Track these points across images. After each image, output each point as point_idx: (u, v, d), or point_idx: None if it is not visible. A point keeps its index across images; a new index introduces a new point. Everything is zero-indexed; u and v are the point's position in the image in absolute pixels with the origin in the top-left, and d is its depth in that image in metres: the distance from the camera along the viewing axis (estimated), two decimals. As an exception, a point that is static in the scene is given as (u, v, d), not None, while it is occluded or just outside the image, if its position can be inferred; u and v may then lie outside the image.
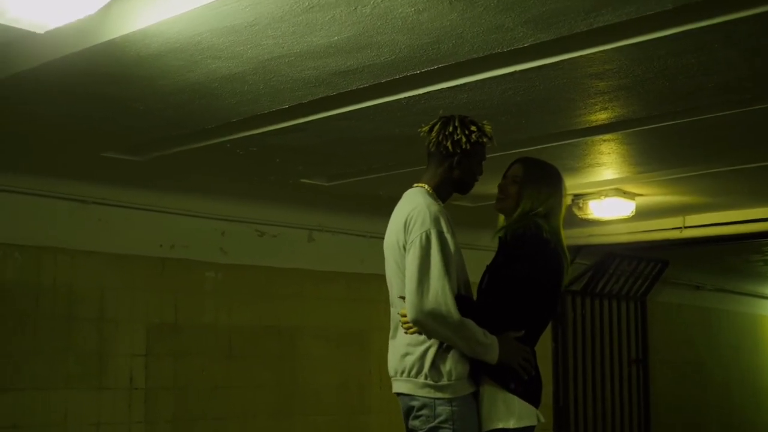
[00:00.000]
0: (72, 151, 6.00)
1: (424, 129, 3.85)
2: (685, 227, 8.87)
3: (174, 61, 4.21)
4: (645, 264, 11.37)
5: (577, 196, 7.67)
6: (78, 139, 5.70)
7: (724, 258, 11.53)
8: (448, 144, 3.72)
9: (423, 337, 3.59)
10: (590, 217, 7.75)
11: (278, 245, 8.11)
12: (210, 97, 4.79)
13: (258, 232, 7.97)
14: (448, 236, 3.58)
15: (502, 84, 4.60)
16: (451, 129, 3.74)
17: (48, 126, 5.39)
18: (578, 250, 9.93)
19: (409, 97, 4.80)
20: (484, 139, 3.78)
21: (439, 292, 3.48)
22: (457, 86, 4.62)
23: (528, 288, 3.67)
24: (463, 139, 3.72)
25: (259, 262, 7.96)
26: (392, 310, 3.78)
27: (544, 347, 10.33)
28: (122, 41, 3.94)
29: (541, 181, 3.89)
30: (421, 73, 4.39)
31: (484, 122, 3.83)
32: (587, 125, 5.45)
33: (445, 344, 3.58)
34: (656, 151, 6.27)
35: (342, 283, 8.46)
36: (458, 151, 3.73)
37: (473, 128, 3.76)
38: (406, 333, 3.65)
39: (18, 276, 6.55)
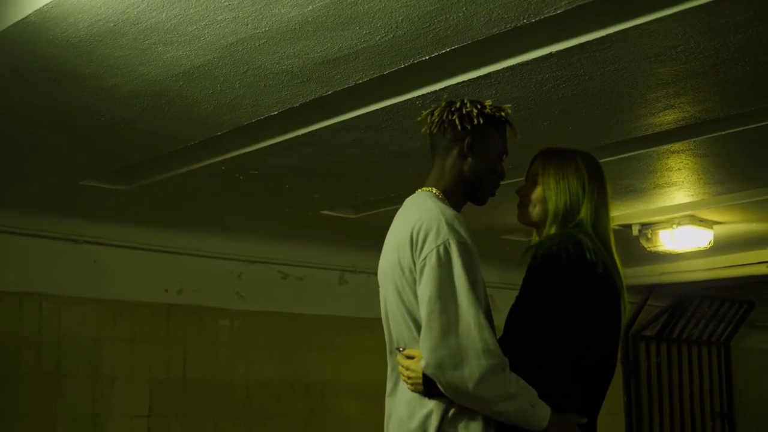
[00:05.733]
0: (46, 179, 5.24)
1: (423, 114, 2.93)
2: (773, 261, 7.83)
3: (116, 49, 3.40)
4: (728, 305, 10.53)
5: (644, 226, 6.74)
6: (47, 163, 4.93)
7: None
8: (455, 119, 2.79)
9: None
10: (661, 249, 6.83)
11: (305, 289, 7.36)
12: (180, 102, 3.97)
13: (281, 273, 7.23)
14: (472, 247, 2.61)
15: (538, 73, 3.68)
16: (458, 105, 2.82)
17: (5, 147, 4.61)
18: (650, 290, 9.14)
19: (423, 95, 3.92)
20: (502, 114, 2.84)
21: (472, 324, 2.50)
22: (480, 78, 3.73)
23: (572, 336, 2.64)
24: (474, 111, 2.78)
25: (282, 308, 7.21)
26: (389, 357, 2.80)
27: (615, 401, 9.38)
28: (39, 21, 3.13)
29: (570, 169, 2.88)
30: (431, 59, 3.52)
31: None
32: (650, 131, 4.48)
33: (453, 408, 2.58)
34: (737, 165, 5.25)
35: (379, 331, 7.43)
36: (468, 127, 2.78)
37: (487, 102, 2.84)
38: (410, 389, 2.66)
39: (-4, 327, 5.82)
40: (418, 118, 2.98)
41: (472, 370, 2.46)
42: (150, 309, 6.48)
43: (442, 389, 2.53)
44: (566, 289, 2.63)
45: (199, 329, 6.70)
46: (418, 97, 3.92)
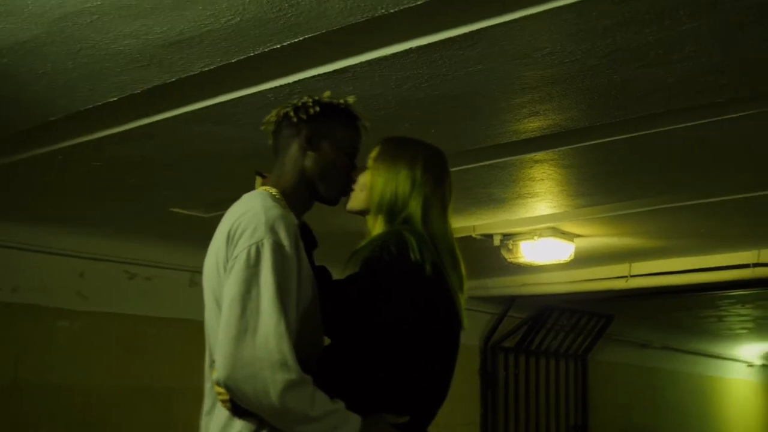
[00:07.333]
0: None
1: (264, 120, 2.76)
2: (632, 276, 7.82)
3: (-74, 17, 3.01)
4: (587, 318, 10.49)
5: (506, 236, 6.59)
6: None
7: (673, 313, 10.56)
8: (290, 112, 2.63)
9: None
10: (522, 261, 6.71)
11: (152, 290, 6.92)
12: (7, 81, 3.59)
13: (127, 273, 6.78)
14: (290, 252, 2.36)
15: (398, 70, 3.46)
16: (295, 100, 2.67)
17: None
18: (511, 301, 8.98)
19: (276, 88, 3.64)
20: (341, 102, 2.67)
21: (271, 333, 2.25)
22: (337, 72, 3.48)
23: (394, 343, 2.42)
24: (310, 101, 2.63)
25: (127, 310, 6.77)
26: (209, 371, 2.53)
27: (471, 412, 9.24)
28: None
29: (404, 159, 2.69)
30: (283, 49, 3.26)
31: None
32: (514, 138, 4.32)
33: (264, 430, 2.33)
34: (600, 177, 5.14)
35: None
36: (304, 117, 2.61)
37: (326, 93, 2.69)
38: (223, 406, 2.42)
39: None
40: (262, 127, 2.76)
41: (265, 383, 2.22)
42: (-20, 307, 5.99)
43: (238, 402, 2.30)
44: (389, 292, 2.43)
45: (34, 330, 6.21)
46: (271, 89, 3.64)
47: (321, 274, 2.68)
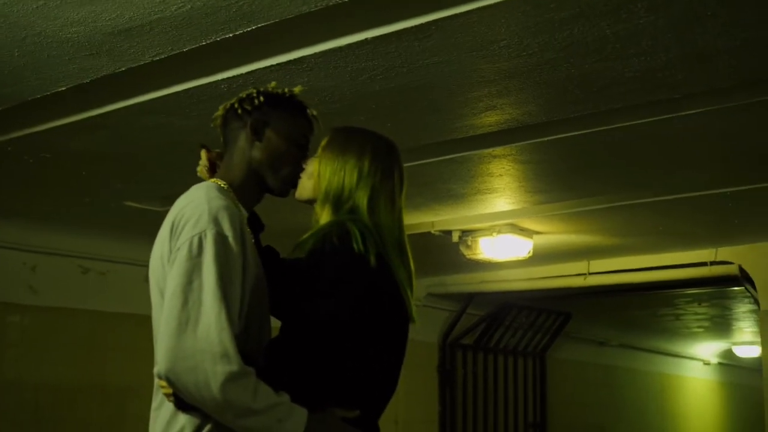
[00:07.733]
0: None
1: (213, 116, 2.71)
2: (590, 274, 7.82)
3: None
4: (545, 316, 10.44)
5: (465, 233, 6.54)
6: None
7: (630, 311, 10.58)
8: (236, 104, 2.59)
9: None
10: (480, 257, 6.66)
11: (107, 285, 6.80)
12: (-49, 71, 3.49)
13: (81, 267, 6.66)
14: (233, 243, 2.31)
15: (353, 61, 3.41)
16: (242, 95, 2.62)
17: None
18: (470, 298, 8.95)
19: (229, 78, 3.59)
20: (285, 90, 2.63)
21: (213, 324, 2.20)
22: (291, 62, 3.44)
23: (339, 335, 2.37)
24: (254, 92, 2.59)
25: (81, 305, 6.64)
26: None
27: (430, 409, 9.21)
28: None
29: (353, 149, 2.64)
30: (236, 38, 3.20)
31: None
32: (471, 133, 4.28)
33: (209, 424, 2.28)
34: (558, 174, 5.12)
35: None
36: (249, 108, 2.56)
37: (272, 84, 2.65)
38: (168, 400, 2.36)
39: None
40: (211, 124, 2.71)
41: (206, 376, 2.16)
42: (-73, 302, 5.85)
43: (179, 395, 2.25)
44: (331, 283, 2.37)
45: (-16, 325, 6.10)
46: (224, 80, 3.59)
47: (268, 253, 2.63)
